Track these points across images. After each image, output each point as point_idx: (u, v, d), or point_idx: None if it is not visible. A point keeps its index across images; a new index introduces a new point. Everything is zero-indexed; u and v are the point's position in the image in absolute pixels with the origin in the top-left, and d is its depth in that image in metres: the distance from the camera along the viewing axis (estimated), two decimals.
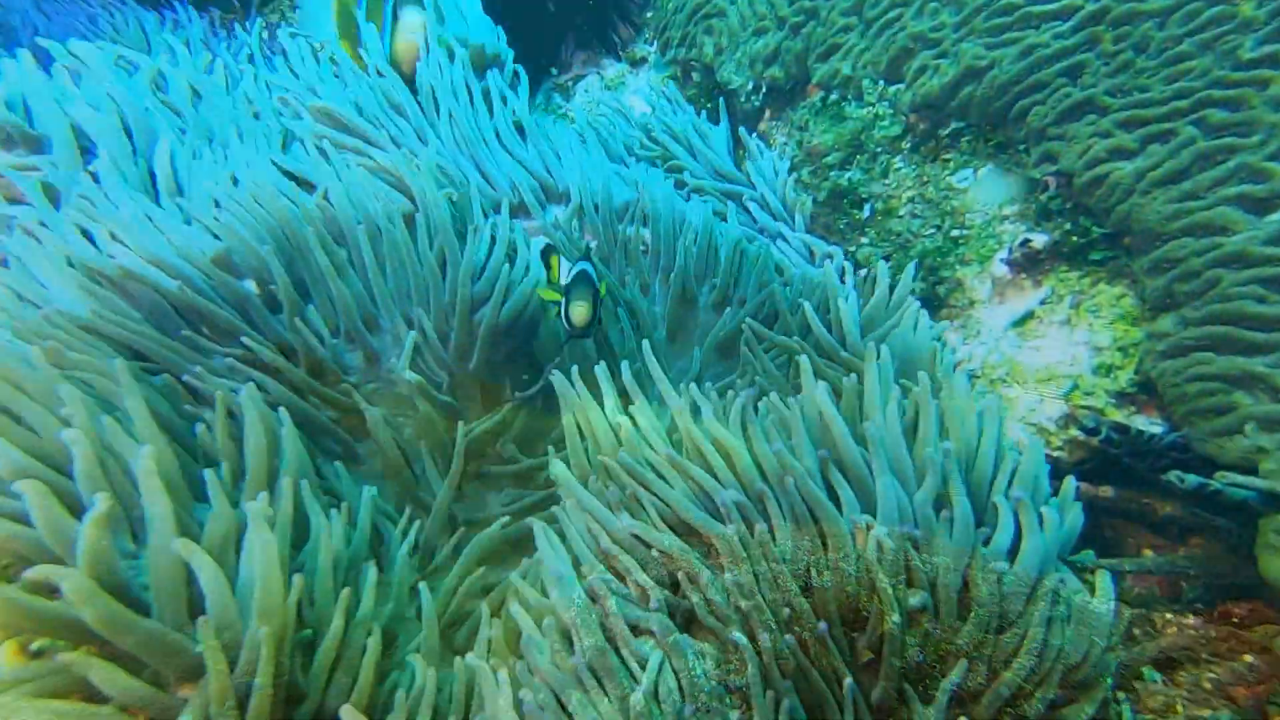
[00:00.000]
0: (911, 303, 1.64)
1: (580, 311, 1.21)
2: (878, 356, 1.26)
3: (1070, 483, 1.15)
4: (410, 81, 2.12)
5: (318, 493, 1.23)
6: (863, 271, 2.13)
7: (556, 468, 1.13)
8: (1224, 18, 1.61)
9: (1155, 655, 1.32)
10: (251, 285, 1.61)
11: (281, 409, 1.30)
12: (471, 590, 1.23)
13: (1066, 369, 1.67)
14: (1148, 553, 1.50)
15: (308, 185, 1.78)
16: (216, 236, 1.61)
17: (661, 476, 1.04)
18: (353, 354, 1.66)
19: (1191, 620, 1.38)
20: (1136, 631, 1.47)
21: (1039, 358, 1.74)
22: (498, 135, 2.23)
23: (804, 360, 1.14)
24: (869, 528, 1.01)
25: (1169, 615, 1.45)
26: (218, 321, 1.52)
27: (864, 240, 2.26)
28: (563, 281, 1.35)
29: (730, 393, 1.18)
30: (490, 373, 1.62)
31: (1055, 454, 1.61)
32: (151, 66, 2.03)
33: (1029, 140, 1.87)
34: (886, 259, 2.21)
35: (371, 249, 1.62)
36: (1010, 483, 1.12)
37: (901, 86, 2.14)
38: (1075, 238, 1.74)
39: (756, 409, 1.19)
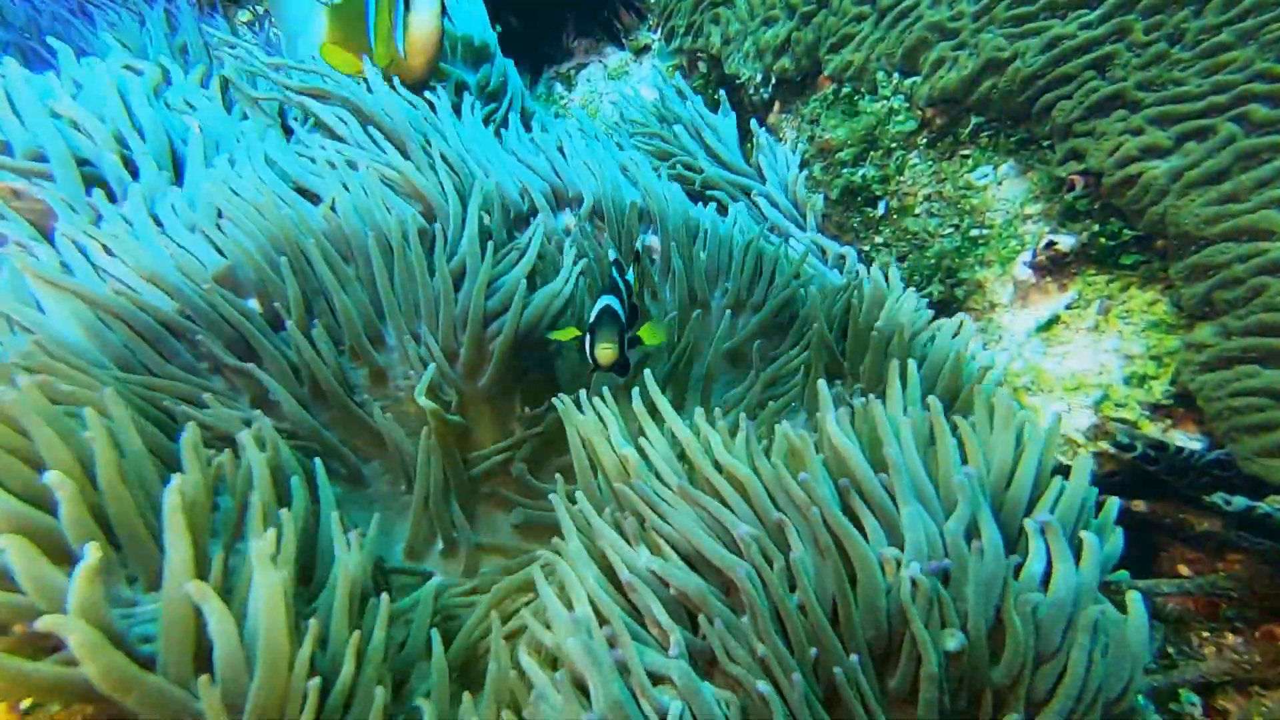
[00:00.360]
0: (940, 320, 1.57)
1: (606, 354, 1.15)
2: (905, 370, 1.20)
3: (1113, 504, 1.09)
4: (425, 77, 2.03)
5: (337, 524, 1.18)
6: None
7: (560, 511, 1.08)
8: (1266, 5, 1.52)
9: (1195, 679, 1.27)
10: (254, 303, 1.56)
11: (317, 460, 1.27)
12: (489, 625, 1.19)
13: (1095, 378, 1.61)
14: (1183, 569, 1.45)
15: (312, 195, 1.72)
16: (219, 250, 1.55)
17: (674, 509, 0.99)
18: (358, 371, 1.62)
19: (1231, 640, 1.33)
20: (1171, 650, 1.42)
21: (1065, 365, 1.68)
22: (501, 136, 2.16)
23: (823, 385, 1.08)
24: (898, 562, 0.96)
25: (1205, 634, 1.40)
26: (219, 341, 1.47)
27: (878, 240, 2.20)
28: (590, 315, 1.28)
29: (740, 416, 1.12)
30: (501, 390, 1.57)
31: None
32: (154, 75, 1.97)
33: (1054, 137, 1.79)
34: (902, 259, 2.15)
35: (380, 261, 1.57)
36: (1053, 508, 1.06)
37: (918, 79, 2.06)
38: (1104, 240, 1.67)
39: (771, 438, 1.13)
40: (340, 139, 1.84)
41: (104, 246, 1.48)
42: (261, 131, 1.91)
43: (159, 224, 1.60)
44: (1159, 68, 1.62)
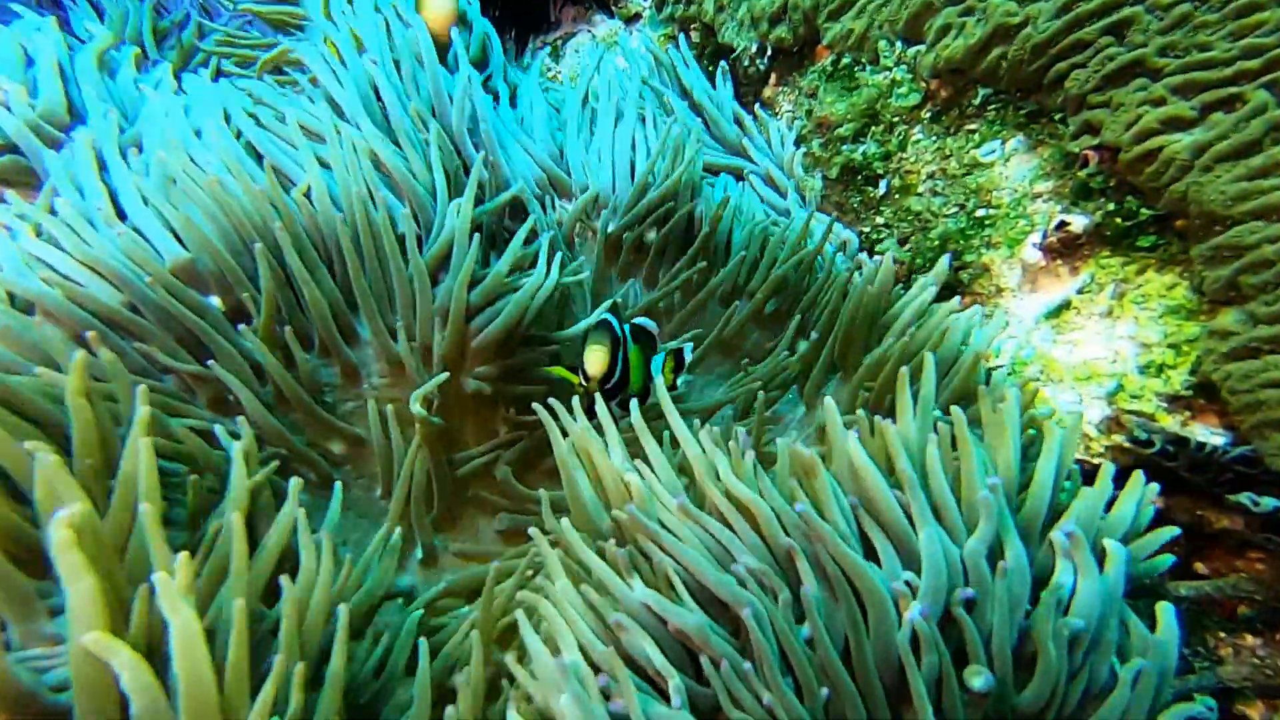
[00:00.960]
0: (954, 304, 1.48)
1: (595, 358, 1.02)
2: (923, 374, 1.11)
3: (1149, 514, 1.02)
4: (444, 51, 1.95)
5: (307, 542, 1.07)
6: (876, 259, 1.97)
7: (557, 526, 0.99)
8: None
9: (1213, 686, 1.22)
10: (215, 299, 1.44)
11: (337, 485, 1.16)
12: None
13: (1109, 367, 1.53)
14: (1200, 567, 1.39)
15: (285, 177, 1.58)
16: (178, 237, 1.42)
17: (677, 538, 0.91)
18: (329, 369, 1.51)
19: (1251, 642, 1.28)
20: (1185, 652, 1.37)
21: (1077, 353, 1.59)
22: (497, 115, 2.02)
23: (829, 401, 0.99)
24: (913, 590, 0.88)
25: (1222, 634, 1.35)
26: (169, 340, 1.36)
27: (879, 220, 2.09)
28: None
29: (735, 430, 1.03)
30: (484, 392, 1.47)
31: (1096, 461, 1.48)
32: (101, 41, 1.81)
33: (1066, 109, 1.68)
34: (904, 241, 2.05)
35: (353, 250, 1.44)
36: (1081, 516, 0.99)
37: (922, 48, 1.94)
38: (1119, 220, 1.58)
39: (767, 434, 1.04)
40: (339, 108, 1.69)
41: (36, 229, 1.35)
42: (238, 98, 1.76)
43: (114, 201, 1.46)
44: (1182, 31, 1.51)
